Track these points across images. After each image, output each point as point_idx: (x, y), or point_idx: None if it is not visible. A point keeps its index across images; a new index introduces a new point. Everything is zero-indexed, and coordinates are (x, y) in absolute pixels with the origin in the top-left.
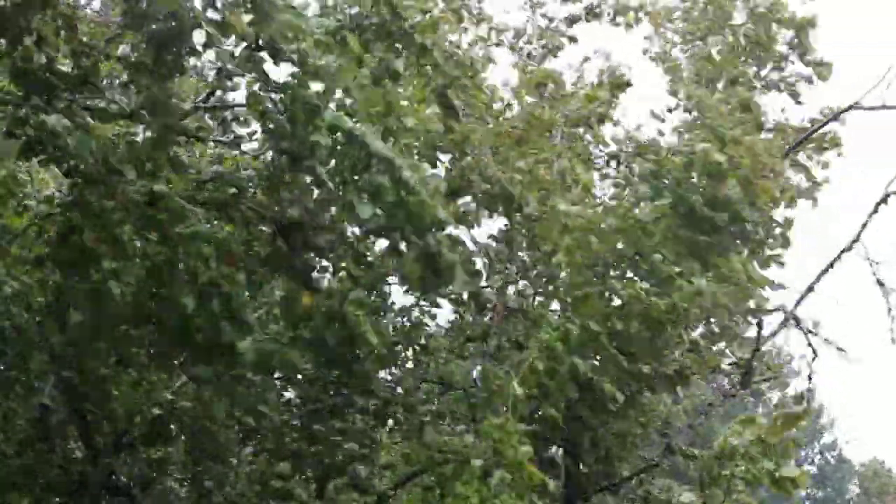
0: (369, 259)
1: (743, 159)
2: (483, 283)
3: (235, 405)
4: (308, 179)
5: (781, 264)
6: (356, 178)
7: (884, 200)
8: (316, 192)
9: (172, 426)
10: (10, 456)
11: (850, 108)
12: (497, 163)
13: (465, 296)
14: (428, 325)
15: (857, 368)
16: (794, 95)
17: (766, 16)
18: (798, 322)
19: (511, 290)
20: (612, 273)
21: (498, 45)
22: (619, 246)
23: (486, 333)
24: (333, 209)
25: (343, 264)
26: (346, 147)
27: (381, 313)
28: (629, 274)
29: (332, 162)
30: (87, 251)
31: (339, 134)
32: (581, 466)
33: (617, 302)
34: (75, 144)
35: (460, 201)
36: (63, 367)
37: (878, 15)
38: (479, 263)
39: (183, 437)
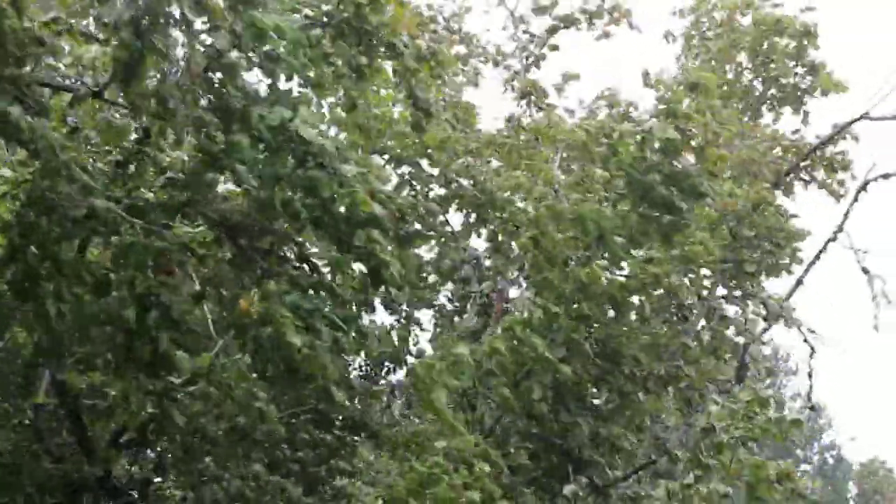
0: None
1: (696, 134)
2: (475, 289)
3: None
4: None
5: (791, 272)
6: (291, 174)
7: (863, 188)
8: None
9: (167, 426)
10: (4, 456)
11: (859, 118)
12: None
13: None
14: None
15: (858, 368)
16: (799, 109)
17: (769, 28)
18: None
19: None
20: (573, 258)
21: (484, 61)
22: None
23: (477, 333)
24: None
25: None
26: (283, 142)
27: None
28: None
29: (259, 160)
30: (31, 272)
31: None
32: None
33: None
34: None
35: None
36: (57, 369)
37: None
38: (469, 270)
39: (178, 438)
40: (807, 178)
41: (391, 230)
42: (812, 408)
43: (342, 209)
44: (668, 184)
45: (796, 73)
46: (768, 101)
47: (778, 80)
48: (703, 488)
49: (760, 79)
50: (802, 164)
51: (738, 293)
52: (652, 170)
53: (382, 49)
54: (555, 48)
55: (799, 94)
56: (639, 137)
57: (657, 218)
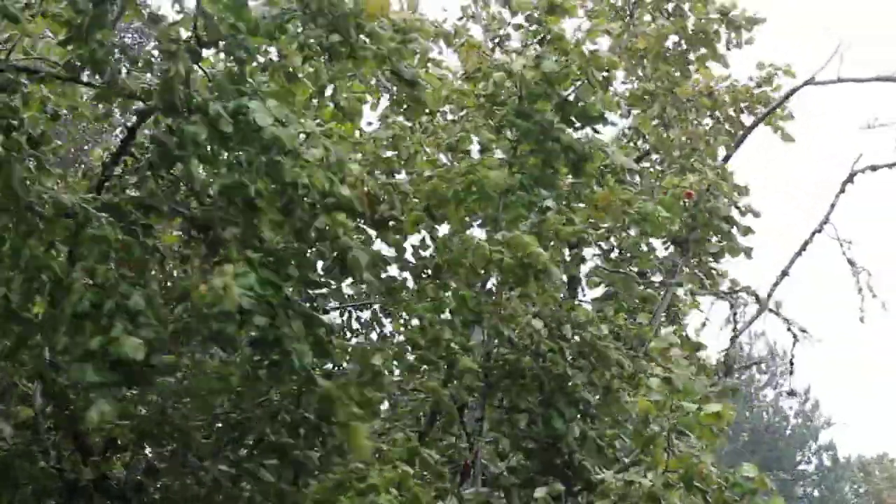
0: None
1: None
2: None
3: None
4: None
5: (750, 255)
6: (253, 161)
7: (850, 180)
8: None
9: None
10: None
11: (805, 84)
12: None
13: None
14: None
15: (860, 364)
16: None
17: None
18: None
19: None
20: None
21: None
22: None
23: None
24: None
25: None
26: (246, 132)
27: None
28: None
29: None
30: None
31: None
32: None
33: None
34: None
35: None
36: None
37: None
38: None
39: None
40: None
41: (367, 213)
42: (792, 393)
43: (305, 193)
44: (561, 115)
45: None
46: (691, 59)
47: (695, 34)
48: (647, 482)
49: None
50: (757, 123)
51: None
52: (539, 108)
53: (362, 36)
54: (519, 27)
55: (712, 39)
56: (514, 83)
57: (562, 153)
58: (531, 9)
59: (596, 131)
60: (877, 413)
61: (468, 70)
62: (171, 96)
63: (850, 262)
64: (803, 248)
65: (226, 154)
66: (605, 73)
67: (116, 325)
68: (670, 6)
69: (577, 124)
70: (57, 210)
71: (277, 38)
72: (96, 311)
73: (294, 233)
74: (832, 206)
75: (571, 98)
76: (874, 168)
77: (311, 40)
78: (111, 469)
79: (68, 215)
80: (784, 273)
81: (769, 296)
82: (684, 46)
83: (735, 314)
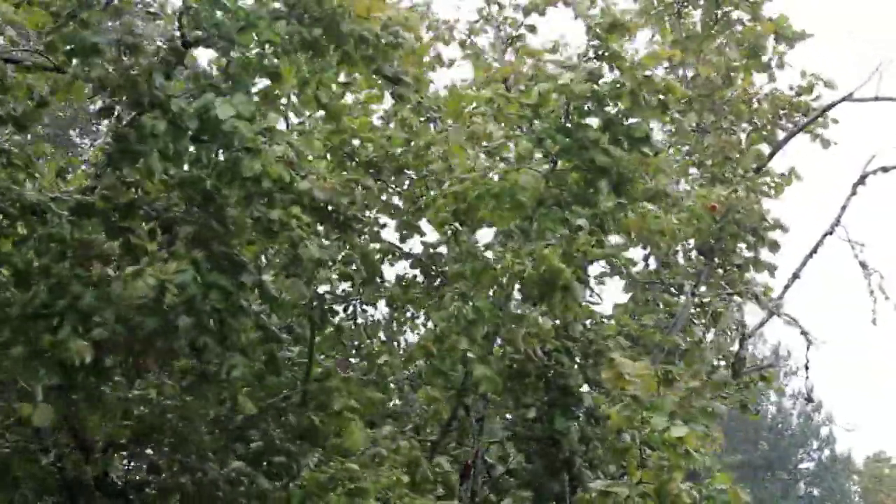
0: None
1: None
2: None
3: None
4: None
5: (773, 273)
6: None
7: (861, 182)
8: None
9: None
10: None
11: (843, 100)
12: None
13: None
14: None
15: (859, 362)
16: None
17: None
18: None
19: None
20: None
21: (447, 42)
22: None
23: None
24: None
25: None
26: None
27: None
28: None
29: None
30: None
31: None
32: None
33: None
34: None
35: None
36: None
37: None
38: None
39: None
40: (790, 125)
41: (334, 210)
42: (809, 399)
43: (260, 188)
44: (608, 134)
45: (755, 27)
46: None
47: (741, 44)
48: (623, 491)
49: (727, 45)
50: (791, 136)
51: (727, 286)
52: (585, 126)
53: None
54: (533, 29)
55: (758, 49)
56: (560, 96)
57: (603, 172)
58: (592, 21)
59: (644, 154)
60: (885, 416)
61: (522, 79)
62: (134, 91)
63: (862, 265)
64: (814, 250)
65: (189, 150)
66: (661, 97)
67: (65, 326)
68: (719, 12)
69: (625, 146)
70: (22, 206)
71: (258, 39)
72: (47, 309)
73: (253, 222)
74: (843, 207)
75: (619, 117)
76: (885, 169)
77: (295, 36)
78: (111, 467)
79: (34, 213)
80: (795, 276)
81: (780, 298)
82: (730, 53)
83: (741, 316)
